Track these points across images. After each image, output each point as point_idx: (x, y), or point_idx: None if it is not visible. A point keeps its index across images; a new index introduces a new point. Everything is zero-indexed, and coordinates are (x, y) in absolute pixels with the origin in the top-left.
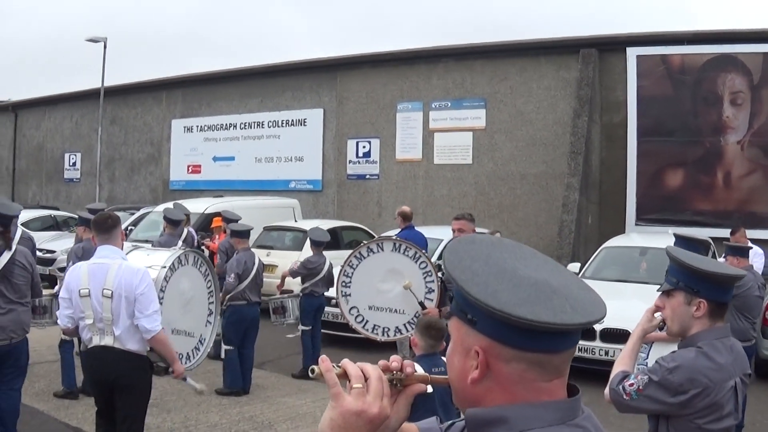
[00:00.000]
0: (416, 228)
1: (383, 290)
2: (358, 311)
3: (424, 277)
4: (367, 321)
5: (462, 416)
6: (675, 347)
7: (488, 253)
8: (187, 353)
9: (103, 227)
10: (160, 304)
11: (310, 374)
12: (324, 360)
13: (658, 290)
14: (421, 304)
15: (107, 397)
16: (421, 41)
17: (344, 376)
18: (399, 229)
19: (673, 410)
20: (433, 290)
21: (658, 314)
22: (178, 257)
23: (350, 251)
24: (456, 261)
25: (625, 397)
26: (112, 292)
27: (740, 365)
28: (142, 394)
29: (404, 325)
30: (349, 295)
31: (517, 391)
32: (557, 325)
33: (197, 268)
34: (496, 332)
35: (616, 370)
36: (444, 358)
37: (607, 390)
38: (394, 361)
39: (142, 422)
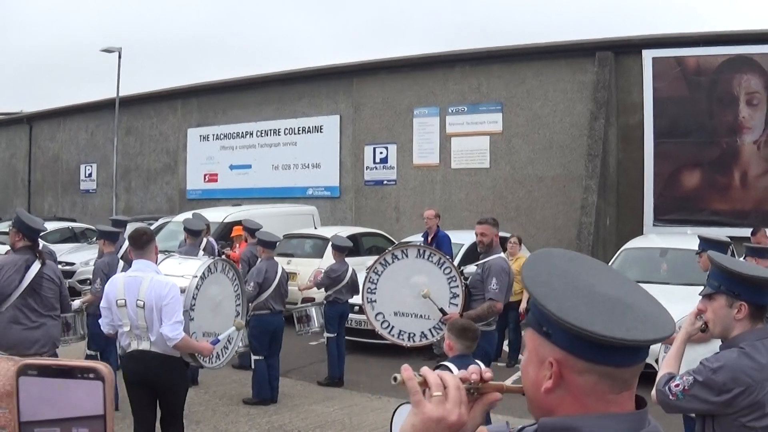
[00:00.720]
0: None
1: (408, 296)
2: (383, 317)
3: (449, 282)
4: (393, 327)
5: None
6: (698, 348)
7: (566, 268)
8: (217, 353)
9: (139, 243)
10: (192, 310)
11: (392, 382)
12: (406, 369)
13: (699, 293)
14: (441, 310)
15: (146, 399)
16: (435, 46)
17: (424, 384)
18: (424, 232)
19: (718, 409)
20: (458, 295)
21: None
22: (209, 266)
23: (370, 257)
24: (534, 276)
25: (671, 397)
26: (144, 303)
27: None
28: (181, 392)
29: (430, 330)
30: (375, 301)
31: (588, 402)
32: (629, 341)
33: (225, 273)
34: (570, 345)
35: (662, 372)
36: (477, 361)
37: (653, 391)
38: (474, 373)
39: (182, 419)
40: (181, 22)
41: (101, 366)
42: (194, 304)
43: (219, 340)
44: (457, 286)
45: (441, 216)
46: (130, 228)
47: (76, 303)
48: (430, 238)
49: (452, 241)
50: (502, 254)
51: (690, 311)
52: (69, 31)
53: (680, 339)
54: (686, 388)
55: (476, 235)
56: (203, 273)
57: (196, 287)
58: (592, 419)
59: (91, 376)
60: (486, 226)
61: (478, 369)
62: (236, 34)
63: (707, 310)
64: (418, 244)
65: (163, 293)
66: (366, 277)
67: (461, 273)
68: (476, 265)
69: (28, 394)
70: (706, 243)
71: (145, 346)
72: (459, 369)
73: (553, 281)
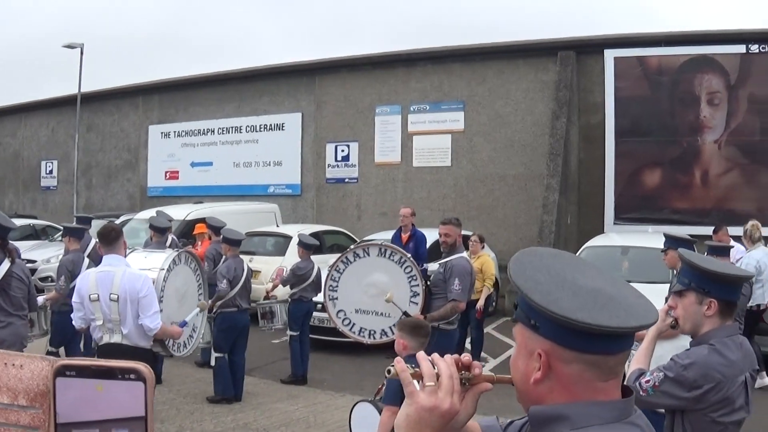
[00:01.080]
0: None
1: (369, 294)
2: (345, 314)
3: (409, 282)
4: (354, 324)
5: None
6: (664, 344)
7: (549, 263)
8: (183, 342)
9: (108, 239)
10: (161, 302)
11: (386, 374)
12: (399, 361)
13: (670, 290)
14: (405, 313)
15: None
16: (397, 45)
17: (418, 375)
18: (396, 230)
19: (688, 405)
20: (418, 294)
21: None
22: (173, 259)
23: (332, 255)
24: (520, 271)
25: (641, 393)
26: (118, 297)
27: (750, 361)
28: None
29: (390, 327)
30: (337, 298)
31: (576, 391)
32: (612, 329)
33: (188, 265)
34: (557, 336)
35: (632, 368)
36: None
37: None
38: (466, 355)
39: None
40: (138, 20)
41: (142, 367)
42: (162, 297)
43: (186, 322)
44: (418, 285)
45: (401, 215)
46: (96, 225)
47: (40, 300)
48: (406, 237)
49: None
50: (464, 254)
51: (660, 308)
52: (28, 28)
53: (651, 335)
54: (657, 384)
55: (440, 235)
56: (169, 265)
57: (164, 279)
58: (580, 407)
59: (132, 377)
60: (450, 227)
61: (469, 360)
62: (195, 31)
63: (677, 307)
64: (380, 242)
65: (138, 286)
66: (328, 275)
67: (425, 271)
68: (439, 263)
69: (66, 396)
70: (671, 240)
71: (117, 339)
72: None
73: (537, 276)
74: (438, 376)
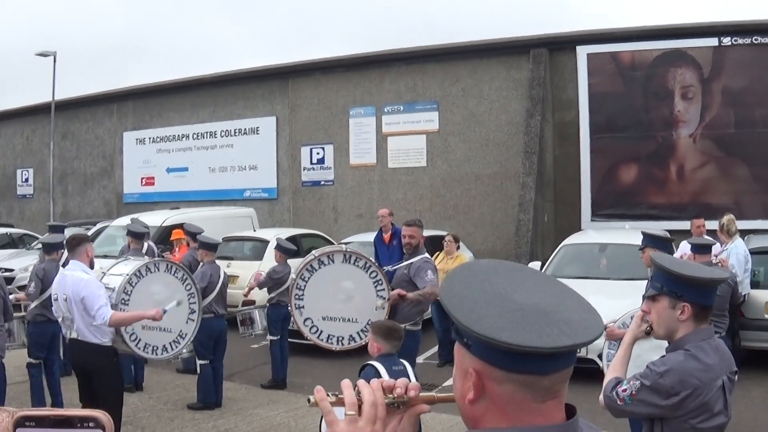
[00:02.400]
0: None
1: (336, 301)
2: (312, 322)
3: (375, 286)
4: (321, 331)
5: None
6: (642, 343)
7: (485, 278)
8: (164, 345)
9: (70, 245)
10: (126, 304)
11: (307, 403)
12: (319, 390)
13: (644, 295)
14: (382, 297)
15: (85, 384)
16: (368, 46)
17: (340, 403)
18: (378, 231)
19: (666, 412)
20: (385, 298)
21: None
22: (146, 266)
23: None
24: (449, 288)
25: (619, 402)
26: (67, 297)
27: (726, 364)
28: (110, 378)
29: (358, 333)
30: (303, 307)
31: (510, 411)
32: (537, 348)
33: (171, 274)
34: (487, 355)
35: (609, 377)
36: (403, 360)
37: (601, 396)
38: (398, 387)
39: (119, 402)
40: (106, 27)
41: (101, 414)
42: (127, 300)
43: (167, 310)
44: (384, 290)
45: (377, 217)
46: (68, 233)
47: (12, 296)
48: (388, 236)
49: None
50: (426, 255)
51: (636, 312)
52: (1, 36)
53: (627, 342)
54: (634, 392)
55: (404, 237)
56: (138, 271)
57: (129, 283)
58: None
59: (92, 425)
60: (414, 228)
61: (405, 383)
62: (158, 39)
63: (651, 312)
64: (344, 249)
65: (78, 289)
66: (293, 284)
67: (390, 274)
68: (402, 265)
69: None
70: (649, 239)
71: (74, 335)
72: (385, 368)
73: (467, 292)
74: (361, 402)
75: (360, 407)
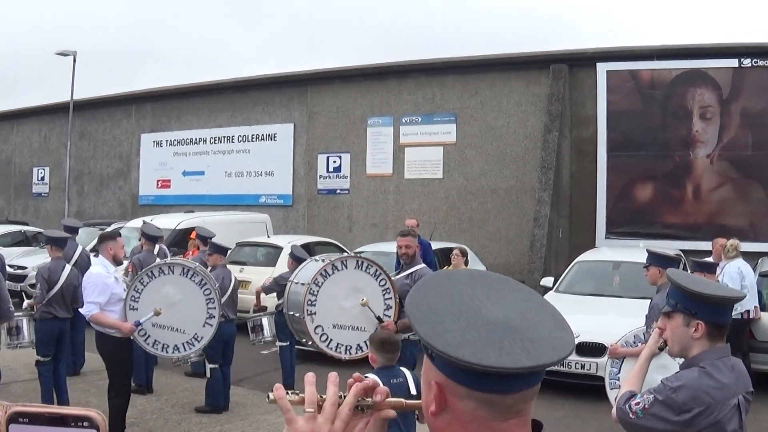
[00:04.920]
0: (393, 242)
1: (346, 308)
2: (323, 330)
3: (383, 294)
4: (331, 340)
5: None
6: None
7: (459, 289)
8: (175, 345)
9: (98, 242)
10: (136, 301)
11: (266, 400)
12: (278, 388)
13: (650, 307)
14: (379, 318)
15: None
16: (389, 56)
17: (301, 402)
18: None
19: (678, 428)
20: (391, 307)
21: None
22: (159, 267)
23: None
24: (416, 297)
25: (631, 416)
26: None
27: (743, 383)
28: (117, 367)
29: (366, 342)
30: (315, 313)
31: (471, 428)
32: (497, 368)
33: (187, 277)
34: (448, 370)
35: (623, 390)
36: (402, 369)
37: (614, 410)
38: (379, 394)
39: (124, 389)
40: (118, 29)
41: (95, 414)
42: (137, 297)
43: (141, 323)
44: (391, 298)
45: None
46: (83, 233)
47: (25, 303)
48: None
49: None
50: (424, 265)
51: (644, 329)
52: (15, 36)
53: (644, 357)
54: (646, 406)
55: (400, 247)
56: (149, 272)
57: (141, 282)
58: None
59: (86, 424)
60: (410, 238)
61: (385, 391)
62: (170, 44)
63: (666, 328)
64: (357, 255)
65: (83, 279)
66: (307, 289)
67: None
68: (403, 275)
69: None
70: (653, 257)
71: None
72: (383, 381)
73: (434, 304)
74: (321, 403)
75: (320, 406)
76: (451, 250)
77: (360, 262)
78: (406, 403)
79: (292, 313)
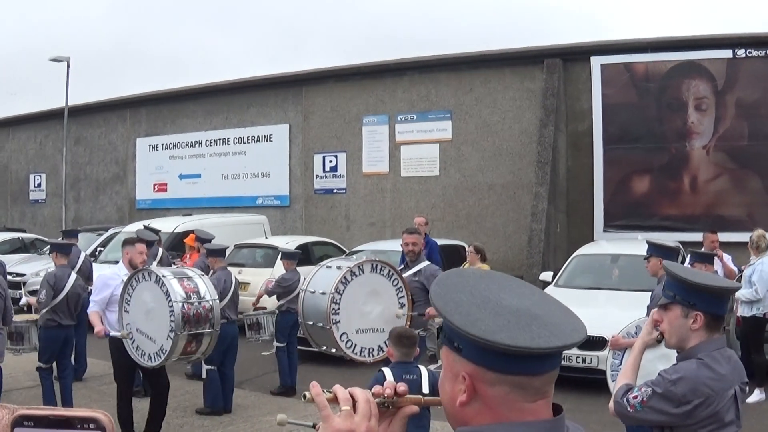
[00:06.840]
0: (391, 240)
1: (366, 312)
2: (347, 336)
3: (397, 294)
4: (355, 345)
5: None
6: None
7: (474, 284)
8: (149, 354)
9: (122, 244)
10: (128, 304)
11: (302, 399)
12: (314, 385)
13: (648, 306)
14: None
15: None
16: (382, 55)
17: (334, 400)
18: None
19: (677, 421)
20: (405, 305)
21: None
22: (142, 273)
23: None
24: (442, 293)
25: (629, 409)
26: None
27: (738, 374)
28: (117, 368)
29: (385, 342)
30: (339, 321)
31: (502, 412)
32: (532, 349)
33: (159, 286)
34: (479, 358)
35: (619, 383)
36: (419, 366)
37: (611, 403)
38: (388, 387)
39: (124, 389)
40: (107, 34)
41: (101, 415)
42: (129, 300)
43: (109, 333)
44: (404, 297)
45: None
46: (82, 239)
47: (23, 300)
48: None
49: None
50: (428, 261)
51: (642, 321)
52: (13, 41)
53: (637, 349)
54: (645, 399)
55: (406, 244)
56: (133, 277)
57: (131, 285)
58: (505, 427)
59: (92, 426)
60: (416, 236)
61: (392, 384)
62: (154, 47)
63: (663, 321)
64: (371, 258)
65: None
66: (330, 299)
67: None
68: (410, 273)
69: None
70: (654, 248)
71: None
72: (396, 375)
73: (459, 297)
74: (355, 400)
75: (354, 404)
76: (452, 247)
77: (375, 265)
78: (425, 400)
79: (312, 323)
